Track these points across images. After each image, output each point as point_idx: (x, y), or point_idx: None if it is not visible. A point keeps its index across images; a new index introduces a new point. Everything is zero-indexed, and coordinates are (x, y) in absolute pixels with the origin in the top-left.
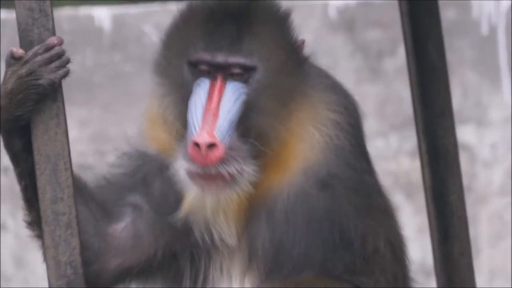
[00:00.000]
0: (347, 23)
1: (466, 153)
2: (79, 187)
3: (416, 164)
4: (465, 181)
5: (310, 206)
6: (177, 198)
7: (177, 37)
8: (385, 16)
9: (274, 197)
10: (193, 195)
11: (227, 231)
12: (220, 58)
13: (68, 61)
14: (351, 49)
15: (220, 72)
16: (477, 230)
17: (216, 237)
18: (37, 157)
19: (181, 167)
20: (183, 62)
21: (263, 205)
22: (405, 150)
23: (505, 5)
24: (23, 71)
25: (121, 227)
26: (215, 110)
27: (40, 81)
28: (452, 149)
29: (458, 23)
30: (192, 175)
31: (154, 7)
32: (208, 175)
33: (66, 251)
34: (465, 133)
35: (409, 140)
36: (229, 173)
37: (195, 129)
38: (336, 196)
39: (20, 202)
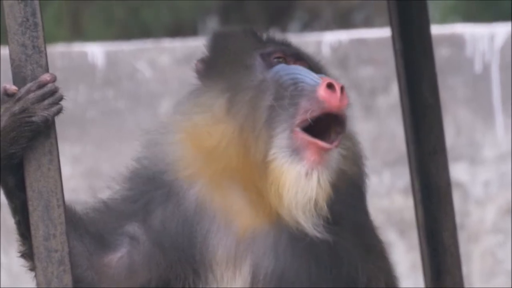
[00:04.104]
0: (340, 60)
1: (459, 191)
2: (73, 221)
3: (409, 201)
4: (458, 218)
5: (316, 240)
6: (179, 227)
7: (238, 40)
8: (378, 53)
9: (282, 222)
10: (294, 173)
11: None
12: (293, 48)
13: (61, 98)
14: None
15: (291, 59)
16: (469, 267)
17: (310, 224)
18: (29, 194)
19: (286, 138)
20: (254, 55)
21: (270, 229)
22: (398, 187)
23: (498, 43)
24: (16, 108)
25: (117, 258)
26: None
27: (33, 118)
28: (445, 186)
29: (451, 61)
30: (305, 142)
31: (147, 44)
32: (323, 145)
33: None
34: (458, 171)
35: (402, 177)
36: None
37: (312, 81)
38: (343, 233)
39: (12, 237)
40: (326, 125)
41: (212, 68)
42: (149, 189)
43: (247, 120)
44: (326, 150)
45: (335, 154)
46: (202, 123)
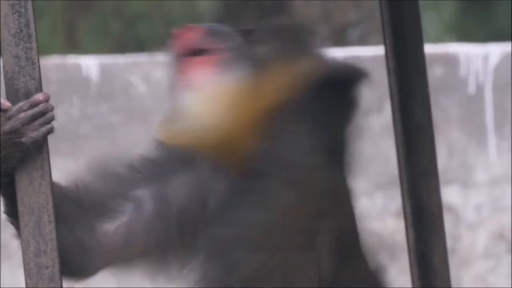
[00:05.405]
0: None
1: (451, 215)
2: (67, 210)
3: (401, 224)
4: (449, 243)
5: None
6: (189, 195)
7: None
8: (372, 71)
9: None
10: (185, 94)
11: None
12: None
13: (52, 118)
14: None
15: None
16: None
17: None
18: (20, 209)
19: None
20: None
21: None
22: (390, 210)
23: (492, 62)
24: (7, 127)
25: (115, 227)
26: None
27: (23, 139)
28: (436, 210)
29: (445, 81)
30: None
31: (142, 57)
32: (193, 60)
33: None
34: (450, 194)
35: (395, 200)
36: (214, 49)
37: None
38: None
39: (5, 252)
40: None
41: None
42: (172, 157)
43: None
44: (198, 63)
45: (221, 66)
46: None
